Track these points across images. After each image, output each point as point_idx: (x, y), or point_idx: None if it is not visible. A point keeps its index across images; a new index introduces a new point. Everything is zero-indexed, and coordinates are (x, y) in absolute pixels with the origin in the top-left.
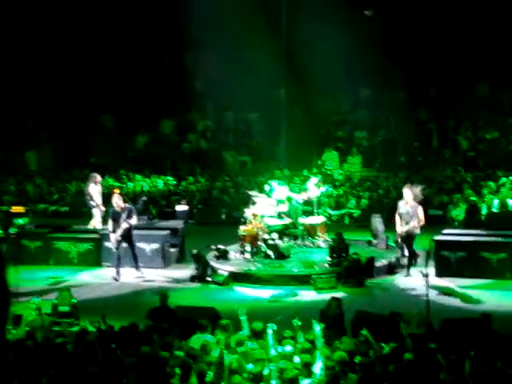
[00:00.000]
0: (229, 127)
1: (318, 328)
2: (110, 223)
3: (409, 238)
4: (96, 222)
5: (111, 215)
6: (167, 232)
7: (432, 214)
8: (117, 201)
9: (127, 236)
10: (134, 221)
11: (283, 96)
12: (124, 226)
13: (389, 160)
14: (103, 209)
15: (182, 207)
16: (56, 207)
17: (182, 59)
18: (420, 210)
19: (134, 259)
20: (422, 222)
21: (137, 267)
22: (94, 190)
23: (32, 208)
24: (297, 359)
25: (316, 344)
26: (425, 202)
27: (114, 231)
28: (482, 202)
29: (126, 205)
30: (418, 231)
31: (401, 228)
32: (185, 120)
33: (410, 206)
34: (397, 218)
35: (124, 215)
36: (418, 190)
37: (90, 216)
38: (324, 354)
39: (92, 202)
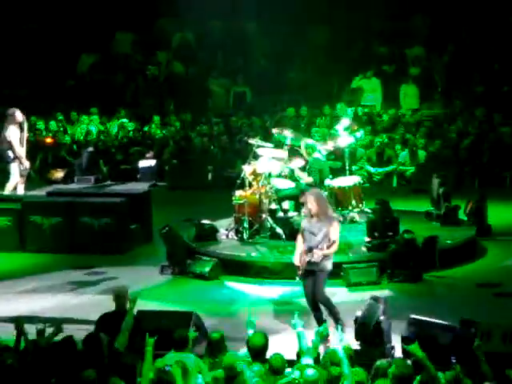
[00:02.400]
0: (217, 42)
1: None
2: None
3: (313, 277)
4: (14, 184)
5: None
6: (125, 200)
7: None
8: None
9: None
10: None
11: None
12: None
13: (460, 91)
14: (27, 165)
15: (147, 162)
16: None
17: None
18: (334, 229)
19: None
20: (334, 249)
21: None
22: (14, 134)
23: None
24: None
25: (342, 369)
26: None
27: None
28: None
29: None
30: (327, 265)
31: (300, 257)
32: (151, 32)
33: (317, 219)
34: (299, 238)
35: None
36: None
37: (5, 175)
38: None
39: (9, 154)
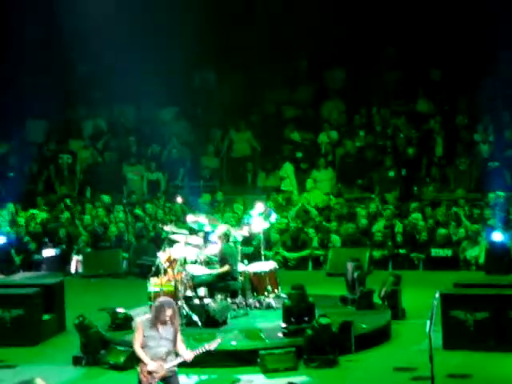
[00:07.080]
0: (130, 129)
1: None
2: None
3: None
4: None
5: None
6: (37, 290)
7: (436, 255)
8: None
9: None
10: None
11: (212, 82)
12: None
13: (373, 175)
14: None
15: (51, 251)
16: None
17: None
18: (179, 334)
19: None
20: (188, 357)
21: None
22: None
23: None
24: None
25: None
26: None
27: None
28: None
29: None
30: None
31: (147, 366)
32: (63, 120)
33: (166, 325)
34: (137, 348)
35: None
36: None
37: None
38: None
39: None
